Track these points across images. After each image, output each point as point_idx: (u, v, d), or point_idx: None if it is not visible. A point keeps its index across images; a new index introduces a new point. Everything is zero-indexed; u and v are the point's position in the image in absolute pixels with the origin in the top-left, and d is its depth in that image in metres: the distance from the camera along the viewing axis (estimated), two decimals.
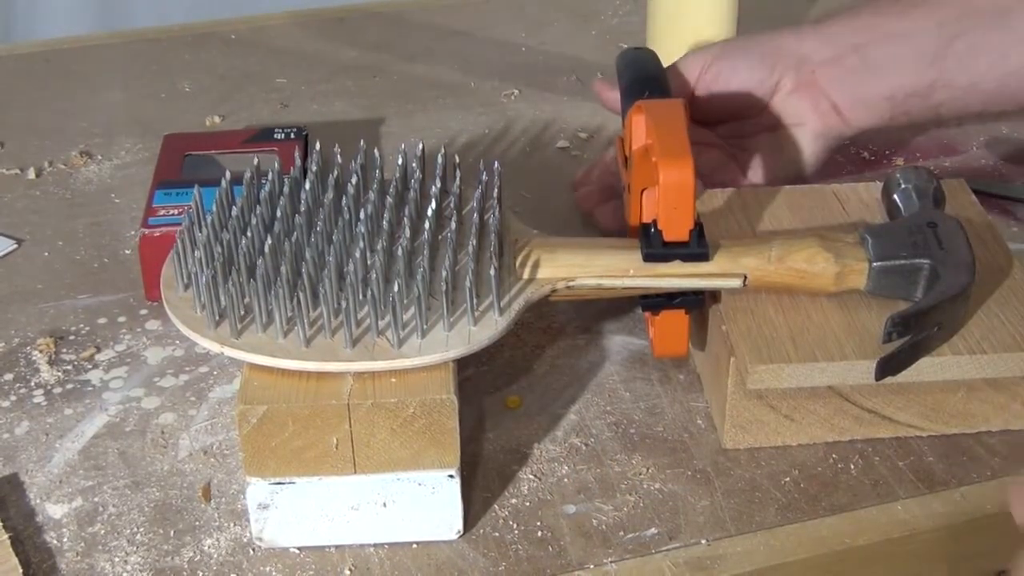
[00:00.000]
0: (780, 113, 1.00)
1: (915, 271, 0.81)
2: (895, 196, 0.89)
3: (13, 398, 0.89)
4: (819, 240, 0.82)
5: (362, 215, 0.82)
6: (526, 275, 0.81)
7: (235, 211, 0.83)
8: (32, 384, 0.90)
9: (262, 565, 0.76)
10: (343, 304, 0.75)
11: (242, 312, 0.77)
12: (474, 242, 0.82)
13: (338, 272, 0.78)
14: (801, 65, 0.99)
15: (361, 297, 0.78)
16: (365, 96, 1.25)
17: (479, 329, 0.77)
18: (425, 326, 0.76)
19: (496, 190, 0.87)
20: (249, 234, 0.80)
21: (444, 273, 0.78)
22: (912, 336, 0.77)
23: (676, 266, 0.81)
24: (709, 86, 0.99)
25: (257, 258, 0.78)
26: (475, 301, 0.78)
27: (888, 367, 0.78)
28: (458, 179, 0.88)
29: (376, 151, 0.89)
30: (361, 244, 0.80)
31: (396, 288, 0.75)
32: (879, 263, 0.82)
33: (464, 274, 0.79)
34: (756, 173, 1.01)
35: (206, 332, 0.76)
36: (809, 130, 1.00)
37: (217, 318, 0.77)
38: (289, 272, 0.77)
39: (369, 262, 0.79)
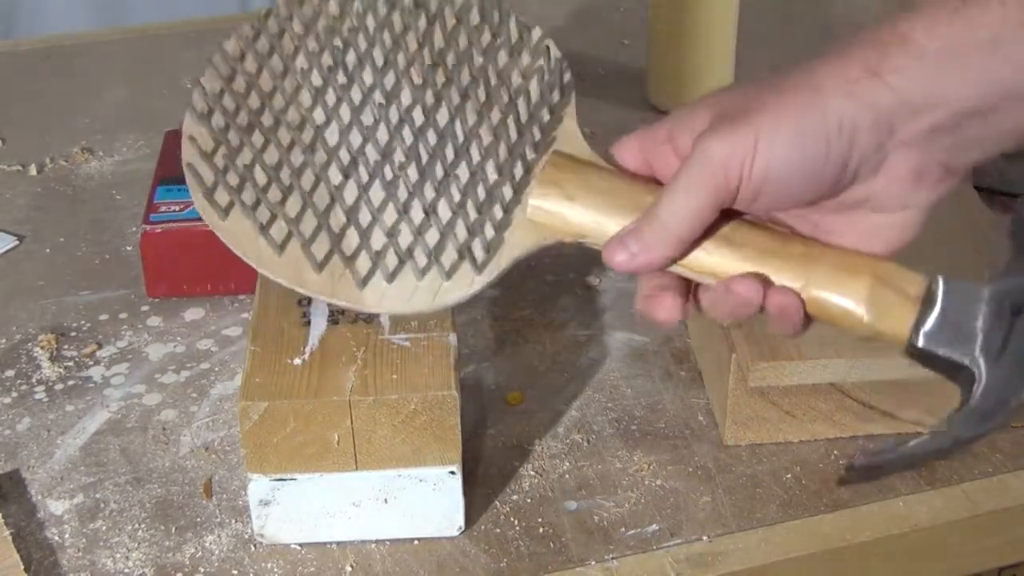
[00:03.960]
0: (870, 203, 0.67)
1: (954, 368, 0.66)
2: None
3: (15, 394, 0.89)
4: (871, 285, 0.66)
5: (360, 74, 0.72)
6: (531, 214, 0.68)
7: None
8: (34, 380, 0.90)
9: (263, 561, 0.76)
10: (315, 210, 0.67)
11: (237, 184, 0.69)
12: (488, 148, 0.69)
13: (322, 163, 0.69)
14: (883, 142, 0.65)
15: (342, 204, 0.69)
16: None
17: (452, 284, 0.67)
18: (393, 267, 0.67)
19: (556, 88, 0.72)
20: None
21: (430, 197, 0.67)
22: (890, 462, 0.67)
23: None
24: (758, 191, 0.65)
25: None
26: (457, 244, 0.67)
27: (858, 475, 0.69)
28: (511, 27, 0.75)
29: None
30: (347, 127, 0.70)
31: (371, 204, 0.67)
32: (921, 344, 0.65)
33: (458, 198, 0.68)
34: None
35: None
36: (908, 214, 0.68)
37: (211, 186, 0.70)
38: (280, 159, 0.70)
39: (345, 158, 0.69)
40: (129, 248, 1.02)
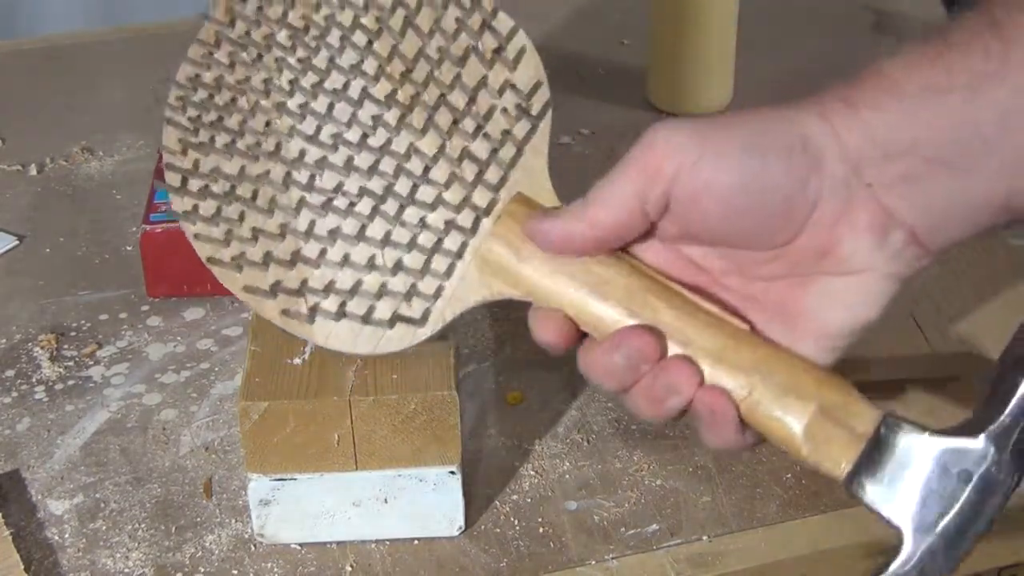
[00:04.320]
0: (822, 254, 0.61)
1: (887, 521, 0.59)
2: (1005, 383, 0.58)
3: (15, 394, 0.89)
4: (815, 413, 0.59)
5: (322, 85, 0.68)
6: (479, 268, 0.64)
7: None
8: (34, 380, 0.90)
9: (263, 561, 0.76)
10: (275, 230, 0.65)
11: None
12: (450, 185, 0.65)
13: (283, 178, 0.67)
14: (848, 178, 0.60)
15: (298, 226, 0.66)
16: None
17: (394, 334, 0.65)
18: (336, 309, 0.65)
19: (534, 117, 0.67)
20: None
21: (377, 239, 0.65)
22: None
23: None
24: (693, 195, 0.60)
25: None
26: (397, 298, 0.65)
27: None
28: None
29: None
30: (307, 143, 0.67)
31: (321, 236, 0.64)
32: (855, 491, 0.60)
33: (405, 246, 0.65)
34: (795, 339, 0.62)
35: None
36: (875, 276, 0.61)
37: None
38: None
39: (302, 179, 0.66)
40: (129, 248, 1.02)
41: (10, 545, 0.76)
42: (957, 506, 0.57)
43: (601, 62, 1.27)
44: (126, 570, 0.76)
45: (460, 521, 0.77)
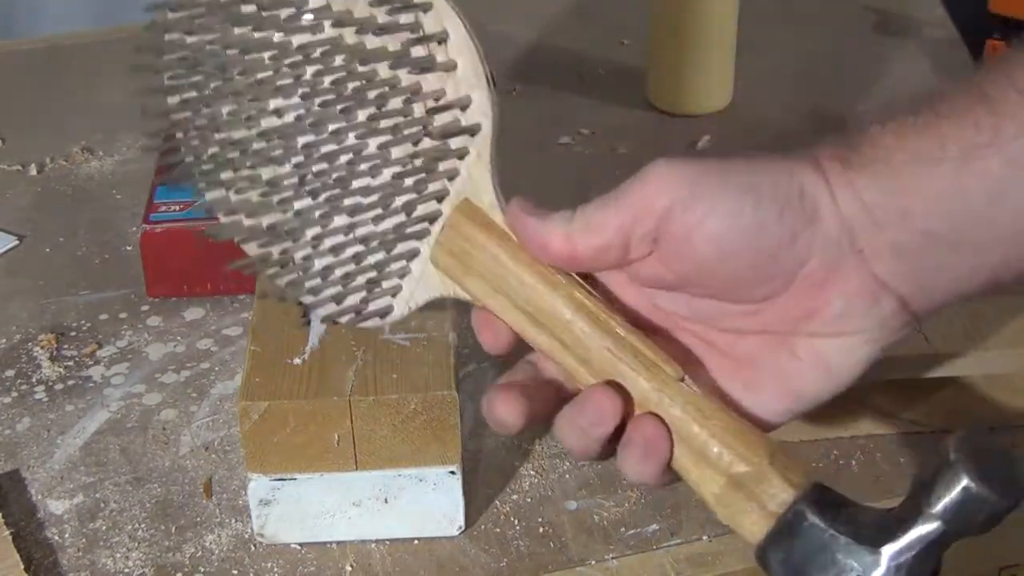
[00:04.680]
0: (808, 314, 0.60)
1: None
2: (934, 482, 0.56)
3: (15, 394, 0.89)
4: (724, 484, 0.58)
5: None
6: (435, 271, 0.63)
7: None
8: (33, 380, 0.90)
9: (263, 561, 0.76)
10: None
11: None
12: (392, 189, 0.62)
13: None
14: (840, 239, 0.59)
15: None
16: None
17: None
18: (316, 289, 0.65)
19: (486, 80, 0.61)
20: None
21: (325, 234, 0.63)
22: None
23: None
24: (685, 232, 0.58)
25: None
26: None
27: None
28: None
29: None
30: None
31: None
32: (763, 563, 0.59)
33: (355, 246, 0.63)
34: (758, 396, 0.61)
35: None
36: (861, 341, 0.60)
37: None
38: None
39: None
40: (129, 248, 1.02)
41: (10, 545, 0.76)
42: None
43: (601, 62, 1.27)
44: (126, 570, 0.76)
45: (460, 521, 0.77)
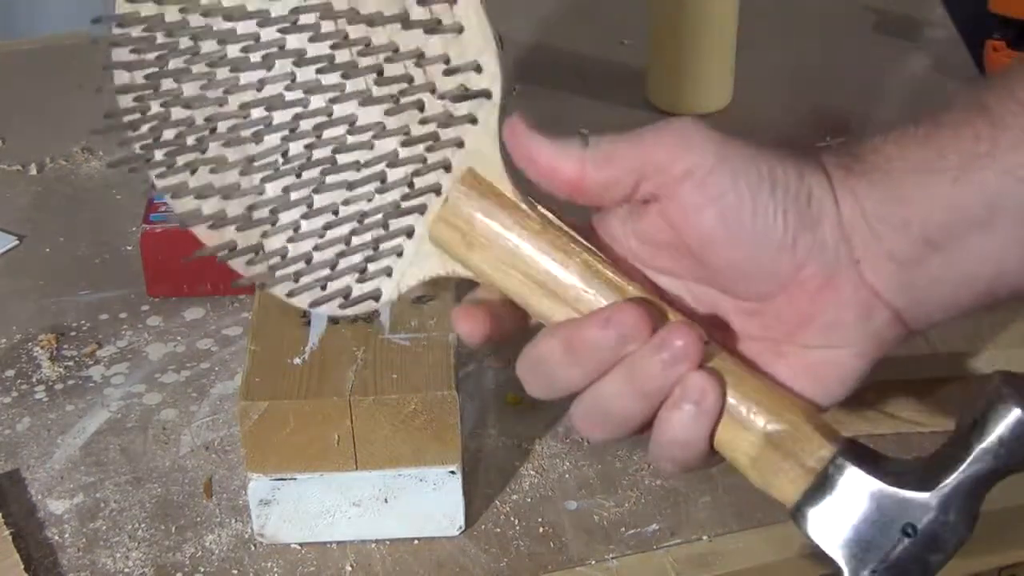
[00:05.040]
0: (801, 322, 0.59)
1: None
2: (979, 434, 0.56)
3: (15, 394, 0.89)
4: (760, 445, 0.57)
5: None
6: (432, 248, 0.60)
7: None
8: (34, 380, 0.90)
9: (263, 561, 0.76)
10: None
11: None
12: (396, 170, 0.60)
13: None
14: (838, 247, 0.58)
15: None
16: None
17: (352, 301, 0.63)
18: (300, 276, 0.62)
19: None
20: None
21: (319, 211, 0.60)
22: None
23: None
24: (698, 203, 0.58)
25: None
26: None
27: None
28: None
29: None
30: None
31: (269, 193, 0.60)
32: (800, 524, 0.57)
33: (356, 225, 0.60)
34: None
35: None
36: (852, 354, 0.59)
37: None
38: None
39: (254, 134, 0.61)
40: (129, 248, 1.02)
41: (10, 545, 0.76)
42: (896, 558, 0.56)
43: (601, 62, 1.27)
44: (126, 570, 0.76)
45: (460, 521, 0.77)
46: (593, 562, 0.76)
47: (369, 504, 0.76)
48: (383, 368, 0.75)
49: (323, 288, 0.61)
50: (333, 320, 0.78)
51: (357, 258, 0.61)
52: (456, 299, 0.68)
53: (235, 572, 0.76)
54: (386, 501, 0.76)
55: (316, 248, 0.61)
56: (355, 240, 0.60)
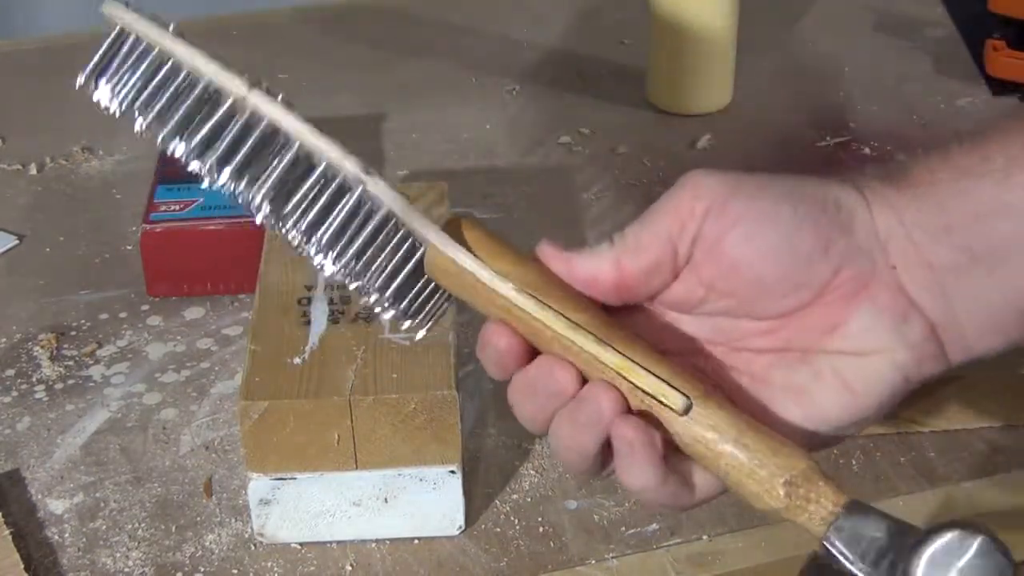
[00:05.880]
0: (831, 327, 0.57)
1: None
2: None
3: (15, 394, 0.89)
4: (780, 480, 0.56)
5: None
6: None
7: None
8: (34, 380, 0.90)
9: (263, 560, 0.76)
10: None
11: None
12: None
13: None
14: (873, 252, 0.57)
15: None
16: (366, 92, 1.25)
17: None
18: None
19: None
20: None
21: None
22: None
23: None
24: (719, 234, 0.56)
25: None
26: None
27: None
28: None
29: None
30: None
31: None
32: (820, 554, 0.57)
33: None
34: (780, 419, 0.58)
35: None
36: (885, 362, 0.57)
37: None
38: None
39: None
40: (129, 247, 1.02)
41: (10, 544, 0.76)
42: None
43: (601, 62, 1.27)
44: (126, 569, 0.76)
45: (460, 520, 0.77)
46: (593, 562, 0.76)
47: (369, 504, 0.76)
48: (383, 368, 0.75)
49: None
50: (333, 319, 0.78)
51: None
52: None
53: (235, 572, 0.76)
54: (386, 501, 0.76)
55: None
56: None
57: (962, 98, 1.18)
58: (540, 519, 0.78)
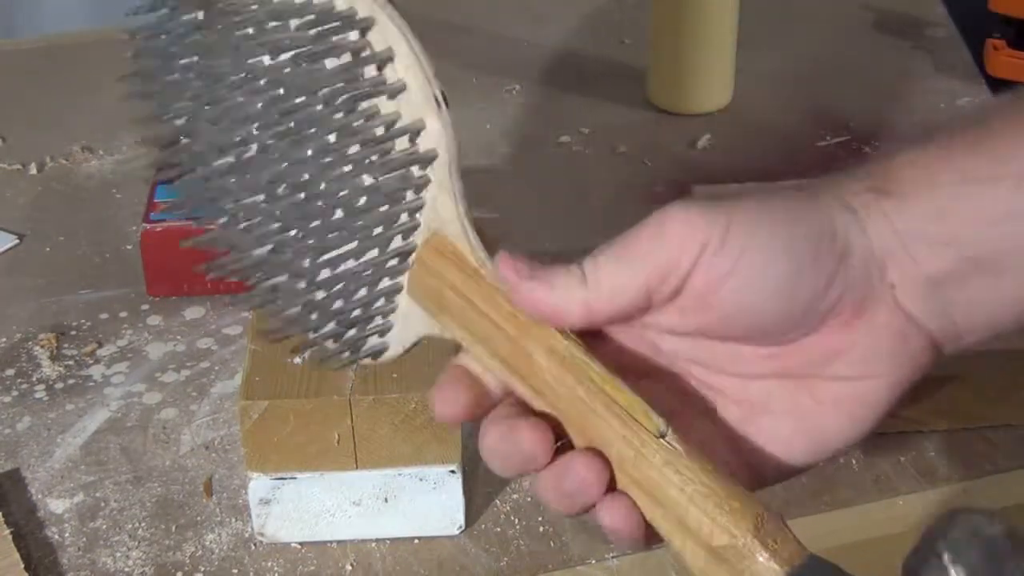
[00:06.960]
0: (831, 355, 0.55)
1: None
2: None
3: (15, 393, 0.89)
4: (708, 559, 0.50)
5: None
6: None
7: None
8: (34, 379, 0.90)
9: (264, 560, 0.76)
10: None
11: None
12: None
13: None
14: (871, 274, 0.54)
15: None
16: None
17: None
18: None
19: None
20: None
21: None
22: None
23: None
24: (711, 285, 0.53)
25: None
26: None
27: None
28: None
29: None
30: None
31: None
32: None
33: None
34: (777, 442, 0.56)
35: None
36: (884, 385, 0.56)
37: None
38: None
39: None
40: (129, 247, 1.02)
41: (10, 544, 0.76)
42: None
43: (601, 62, 1.27)
44: (126, 569, 0.76)
45: (460, 520, 0.77)
46: (593, 561, 0.76)
47: (369, 503, 0.76)
48: (383, 367, 0.75)
49: (334, 341, 0.59)
50: None
51: (357, 313, 0.58)
52: None
53: (235, 571, 0.76)
54: (386, 500, 0.76)
55: (321, 301, 0.58)
56: (352, 296, 0.58)
57: (962, 98, 1.18)
58: (540, 519, 0.78)
